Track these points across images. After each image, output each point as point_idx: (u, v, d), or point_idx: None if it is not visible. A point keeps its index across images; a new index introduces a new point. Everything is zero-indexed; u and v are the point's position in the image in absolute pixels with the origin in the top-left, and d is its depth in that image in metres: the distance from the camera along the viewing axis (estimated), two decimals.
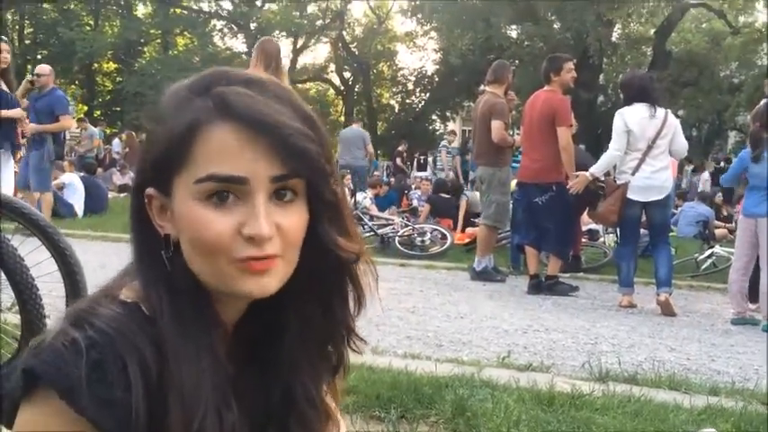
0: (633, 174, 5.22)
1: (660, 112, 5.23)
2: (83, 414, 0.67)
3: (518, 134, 7.70)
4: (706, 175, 15.53)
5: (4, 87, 5.55)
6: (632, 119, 5.24)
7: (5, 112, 5.42)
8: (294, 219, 0.76)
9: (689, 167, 16.96)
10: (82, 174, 10.56)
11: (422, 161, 16.77)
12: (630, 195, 5.23)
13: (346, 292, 0.85)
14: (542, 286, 5.80)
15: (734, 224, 10.27)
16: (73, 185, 9.53)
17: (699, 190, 13.66)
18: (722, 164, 15.92)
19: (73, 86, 28.55)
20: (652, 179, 5.18)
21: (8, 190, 5.45)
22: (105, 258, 4.97)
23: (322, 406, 0.88)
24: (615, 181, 5.40)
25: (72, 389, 0.67)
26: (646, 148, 5.19)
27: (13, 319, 2.72)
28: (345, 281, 0.85)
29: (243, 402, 0.79)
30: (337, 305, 0.85)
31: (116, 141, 18.13)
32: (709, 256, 7.67)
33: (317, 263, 0.80)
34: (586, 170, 5.56)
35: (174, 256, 0.77)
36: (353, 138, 11.28)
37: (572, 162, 5.69)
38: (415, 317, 4.56)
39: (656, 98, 5.33)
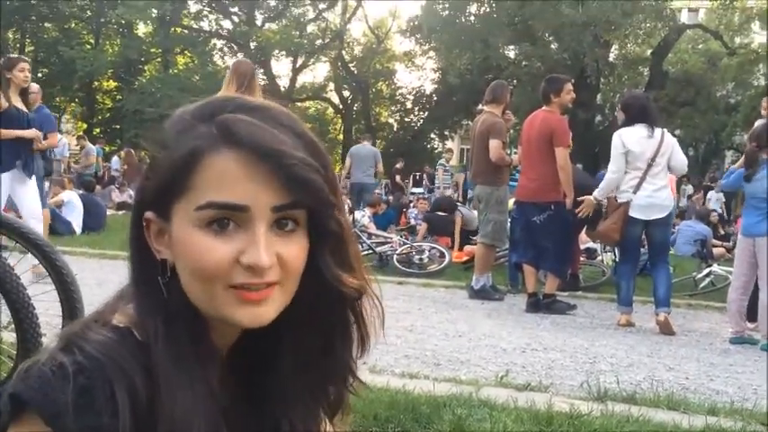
0: (635, 192, 5.24)
1: (657, 131, 5.26)
2: None
3: (515, 153, 7.74)
4: (715, 194, 15.38)
5: (22, 106, 5.54)
6: (630, 139, 5.28)
7: (20, 132, 5.42)
8: (295, 249, 0.75)
9: (686, 187, 17.01)
10: (81, 191, 10.57)
11: (417, 177, 16.86)
12: (633, 214, 5.24)
13: (349, 331, 0.83)
14: (540, 305, 5.79)
15: (732, 243, 10.30)
16: (72, 203, 9.53)
17: (711, 207, 13.61)
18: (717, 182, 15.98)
19: (73, 104, 28.70)
20: (654, 197, 5.20)
21: (32, 210, 5.46)
22: (103, 276, 4.97)
23: None
24: (616, 200, 5.41)
25: (58, 414, 0.66)
26: (646, 167, 5.21)
27: (10, 337, 2.71)
28: (348, 318, 0.83)
29: (232, 429, 0.77)
30: (338, 343, 0.83)
31: (115, 159, 18.19)
32: (707, 275, 7.67)
33: (317, 296, 0.79)
34: (584, 189, 5.58)
35: (170, 282, 0.76)
36: (366, 156, 11.42)
37: (570, 181, 5.71)
38: (413, 335, 4.54)
39: (655, 118, 5.38)
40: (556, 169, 5.69)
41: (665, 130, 5.43)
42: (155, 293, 0.76)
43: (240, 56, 28.16)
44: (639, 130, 5.26)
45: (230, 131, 0.73)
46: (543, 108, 6.00)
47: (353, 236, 0.82)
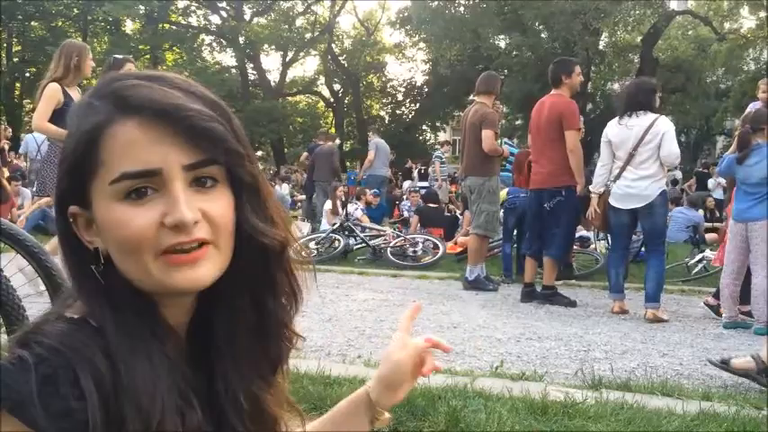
0: (614, 181, 5.29)
1: (644, 119, 5.21)
2: (35, 428, 0.66)
3: (506, 143, 7.69)
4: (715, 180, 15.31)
5: None
6: (611, 130, 5.33)
7: None
8: (218, 204, 0.75)
9: (675, 172, 17.03)
10: None
11: (422, 171, 16.88)
12: (612, 202, 5.31)
13: (278, 286, 0.83)
14: (536, 295, 5.80)
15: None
16: None
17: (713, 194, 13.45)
18: (709, 168, 15.96)
19: None
20: (632, 187, 5.19)
21: None
22: None
23: (265, 403, 0.85)
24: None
25: (24, 404, 0.66)
26: (627, 157, 5.23)
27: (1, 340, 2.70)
28: (274, 272, 0.82)
29: (201, 399, 0.78)
30: (269, 298, 0.83)
31: None
32: (699, 261, 7.70)
33: (241, 251, 0.78)
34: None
35: (107, 269, 0.76)
36: (385, 150, 12.27)
37: (580, 165, 5.68)
38: None
39: (638, 106, 5.26)
40: (566, 154, 5.64)
41: (660, 118, 5.27)
42: (93, 282, 0.76)
43: (230, 51, 28.12)
44: (622, 119, 5.29)
45: (125, 100, 0.73)
46: (551, 93, 5.92)
47: (268, 186, 0.82)
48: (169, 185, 0.73)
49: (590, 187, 5.57)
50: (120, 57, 5.60)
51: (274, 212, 0.81)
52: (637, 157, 5.19)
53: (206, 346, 0.83)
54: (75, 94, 5.31)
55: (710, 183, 15.09)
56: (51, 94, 5.07)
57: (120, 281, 0.76)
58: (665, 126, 5.25)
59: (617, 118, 5.37)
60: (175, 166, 0.73)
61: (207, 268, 0.75)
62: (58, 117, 5.06)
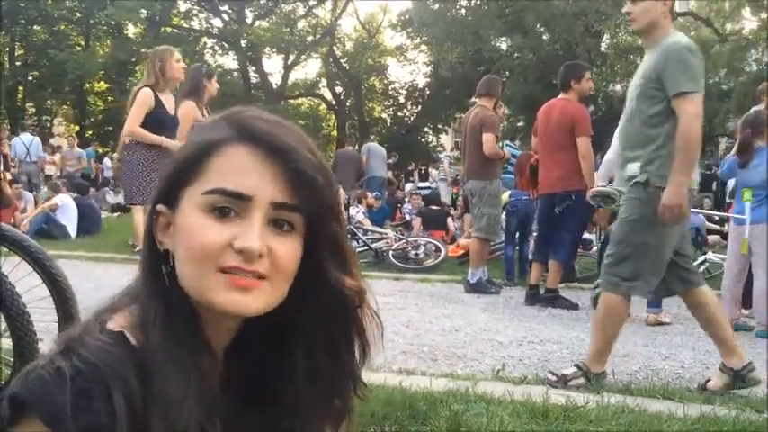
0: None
1: None
2: None
3: (507, 146, 7.67)
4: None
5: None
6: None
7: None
8: (287, 248, 0.78)
9: None
10: (75, 195, 10.54)
11: (422, 172, 16.90)
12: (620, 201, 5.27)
13: (352, 339, 0.86)
14: (539, 297, 5.81)
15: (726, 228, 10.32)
16: (66, 206, 9.52)
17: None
18: (713, 170, 15.95)
19: (65, 106, 28.58)
20: None
21: None
22: (98, 279, 4.97)
23: None
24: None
25: (57, 416, 0.68)
26: None
27: (7, 344, 2.71)
28: (350, 326, 0.86)
29: (232, 428, 0.79)
30: (343, 350, 0.86)
31: (107, 160, 18.11)
32: (701, 263, 7.69)
33: (321, 300, 0.82)
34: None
35: (171, 273, 0.80)
36: (379, 152, 12.79)
37: (592, 171, 5.66)
38: (409, 331, 4.56)
39: None
40: (576, 158, 5.61)
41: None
42: (158, 282, 0.80)
43: (231, 54, 28.16)
44: None
45: (246, 128, 0.79)
46: (560, 97, 5.90)
47: (348, 241, 0.86)
48: (251, 213, 0.77)
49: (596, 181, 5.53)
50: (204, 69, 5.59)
51: (352, 264, 0.85)
52: None
53: (255, 381, 0.86)
54: (168, 99, 5.29)
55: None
56: (143, 100, 5.08)
57: (179, 289, 0.79)
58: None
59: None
60: (265, 199, 0.77)
61: (256, 299, 0.78)
62: (149, 122, 5.06)
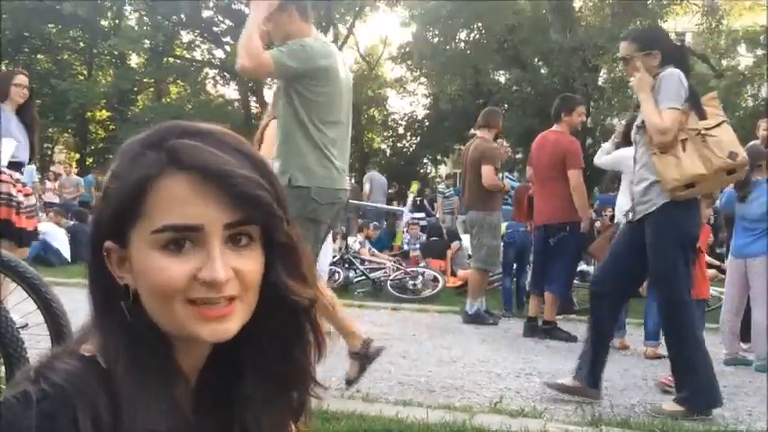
0: (625, 216, 5.23)
1: None
2: None
3: (507, 178, 7.70)
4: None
5: None
6: (617, 157, 5.30)
7: None
8: (250, 263, 0.78)
9: None
10: (73, 221, 10.55)
11: (417, 203, 16.91)
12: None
13: (306, 338, 0.86)
14: (537, 329, 5.78)
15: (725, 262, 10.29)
16: (50, 234, 9.51)
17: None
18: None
19: (66, 134, 28.72)
20: None
21: None
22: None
23: None
24: (611, 220, 5.44)
25: None
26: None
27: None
28: (303, 326, 0.86)
29: None
30: (296, 350, 0.86)
31: None
32: None
33: (272, 306, 0.82)
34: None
35: (133, 307, 0.79)
36: (381, 182, 13.02)
37: (585, 203, 5.71)
38: (406, 362, 4.52)
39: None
40: (569, 190, 5.66)
41: None
42: (117, 318, 0.78)
43: (233, 84, 28.39)
44: (629, 151, 5.27)
45: (177, 156, 0.76)
46: (552, 129, 5.96)
47: (303, 246, 0.85)
48: (208, 242, 0.76)
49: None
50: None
51: (307, 271, 0.84)
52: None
53: (219, 393, 0.85)
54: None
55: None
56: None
57: (143, 320, 0.78)
58: None
59: (629, 149, 5.33)
60: (216, 223, 0.76)
61: (233, 323, 0.78)
62: None
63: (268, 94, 29.62)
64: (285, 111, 3.31)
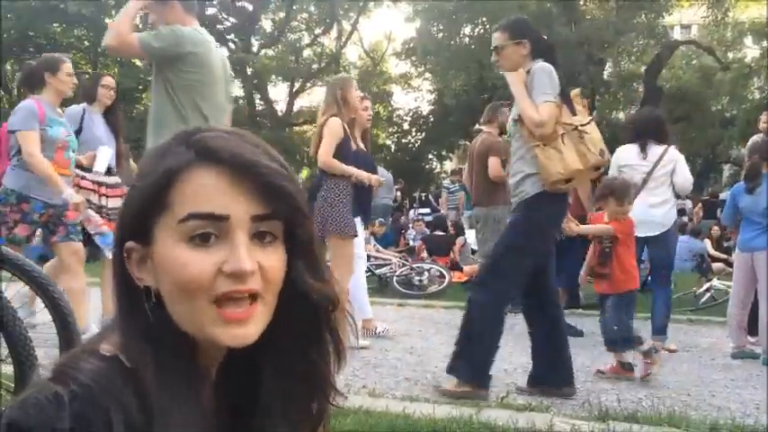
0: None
1: (655, 148, 5.14)
2: None
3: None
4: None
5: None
6: (621, 155, 5.31)
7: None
8: (274, 260, 0.78)
9: (685, 201, 17.01)
10: None
11: (423, 198, 16.92)
12: None
13: (325, 344, 0.86)
14: None
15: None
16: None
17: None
18: (719, 196, 15.92)
19: None
20: (648, 214, 5.10)
21: None
22: (100, 304, 4.95)
23: None
24: None
25: None
26: (641, 183, 5.18)
27: (8, 370, 2.71)
28: (323, 331, 0.85)
29: None
30: (316, 356, 0.85)
31: None
32: (707, 290, 7.66)
33: (292, 307, 0.81)
34: None
35: (155, 308, 0.78)
36: (388, 179, 12.55)
37: (589, 196, 5.70)
38: (413, 357, 4.53)
39: (650, 135, 5.21)
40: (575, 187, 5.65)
41: (671, 146, 5.25)
42: (140, 321, 0.78)
43: (237, 82, 28.39)
44: (632, 147, 5.27)
45: (206, 148, 0.77)
46: None
47: (320, 246, 0.85)
48: (233, 234, 0.76)
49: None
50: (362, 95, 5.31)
51: (325, 270, 0.84)
52: (650, 184, 5.11)
53: (238, 393, 0.85)
54: (349, 129, 5.04)
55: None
56: (335, 130, 4.89)
57: (165, 322, 0.77)
58: (677, 154, 5.24)
59: (628, 146, 5.32)
60: (244, 215, 0.76)
61: (255, 326, 0.78)
62: (337, 153, 4.85)
63: (272, 92, 29.68)
64: (158, 95, 3.40)
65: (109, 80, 5.05)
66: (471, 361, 3.54)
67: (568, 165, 3.38)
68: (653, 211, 5.12)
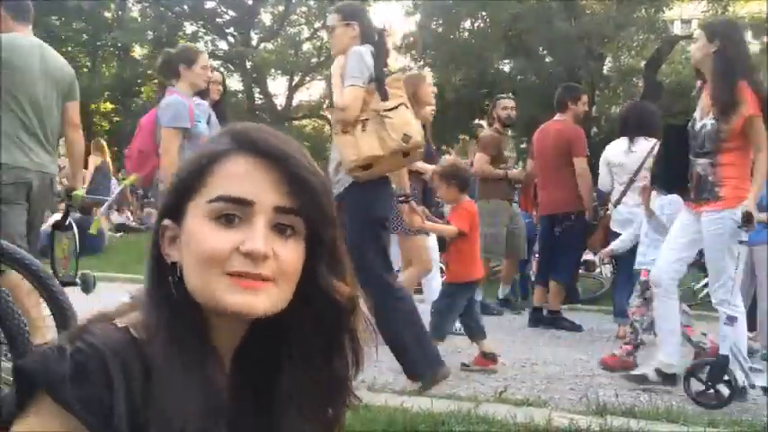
0: (615, 206, 5.24)
1: (643, 144, 5.13)
2: (66, 408, 0.72)
3: (516, 167, 7.67)
4: None
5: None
6: (610, 151, 5.32)
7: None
8: (290, 251, 0.81)
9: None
10: (78, 214, 10.55)
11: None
12: (612, 227, 5.25)
13: (344, 347, 0.88)
14: (542, 319, 5.79)
15: None
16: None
17: None
18: None
19: None
20: (632, 212, 5.07)
21: None
22: (103, 298, 4.95)
23: None
24: (606, 212, 5.44)
25: (56, 384, 0.72)
26: (628, 181, 5.18)
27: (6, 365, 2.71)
28: (342, 334, 0.87)
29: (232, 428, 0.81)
30: (335, 358, 0.87)
31: (113, 180, 18.15)
32: (705, 285, 7.65)
33: (313, 306, 0.84)
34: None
35: (178, 284, 0.83)
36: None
37: (590, 191, 5.70)
38: None
39: (639, 129, 5.17)
40: (574, 180, 5.65)
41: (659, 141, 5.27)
42: (164, 292, 0.83)
43: (236, 76, 28.38)
44: (621, 143, 5.26)
45: (245, 138, 0.83)
46: (555, 119, 5.94)
47: (345, 248, 0.88)
48: (254, 218, 0.80)
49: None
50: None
51: (347, 273, 0.87)
52: (638, 182, 5.10)
53: (255, 388, 0.88)
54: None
55: None
56: None
57: (186, 297, 0.82)
58: None
59: (618, 141, 5.33)
60: (268, 204, 0.81)
61: (263, 300, 0.80)
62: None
63: (272, 85, 29.64)
64: None
65: (216, 75, 5.06)
66: (414, 358, 3.52)
67: (361, 151, 3.35)
68: (638, 210, 5.04)
